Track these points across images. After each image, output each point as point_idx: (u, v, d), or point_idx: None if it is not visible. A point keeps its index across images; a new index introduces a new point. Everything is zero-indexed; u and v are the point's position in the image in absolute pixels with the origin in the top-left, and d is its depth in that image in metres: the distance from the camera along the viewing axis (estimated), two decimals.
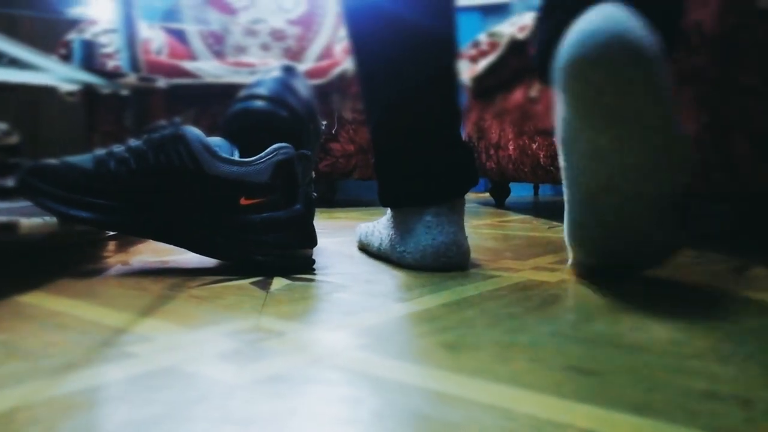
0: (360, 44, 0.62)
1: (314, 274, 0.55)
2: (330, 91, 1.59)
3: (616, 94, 0.40)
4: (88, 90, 1.25)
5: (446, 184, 0.57)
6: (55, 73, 0.85)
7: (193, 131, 0.57)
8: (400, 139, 0.60)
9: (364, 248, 0.70)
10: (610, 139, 0.42)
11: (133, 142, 0.58)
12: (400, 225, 0.59)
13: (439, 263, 0.56)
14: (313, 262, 0.60)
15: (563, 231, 0.50)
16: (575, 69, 0.40)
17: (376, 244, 0.64)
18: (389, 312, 0.40)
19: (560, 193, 2.22)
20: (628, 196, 0.43)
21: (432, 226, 0.56)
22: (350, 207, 1.59)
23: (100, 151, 0.58)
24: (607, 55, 0.39)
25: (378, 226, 0.66)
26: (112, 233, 0.82)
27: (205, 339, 0.34)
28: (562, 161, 0.46)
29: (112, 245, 0.76)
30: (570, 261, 0.53)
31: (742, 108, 0.53)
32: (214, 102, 1.60)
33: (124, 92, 1.03)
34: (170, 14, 1.89)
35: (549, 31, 0.48)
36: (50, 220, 0.57)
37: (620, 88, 0.40)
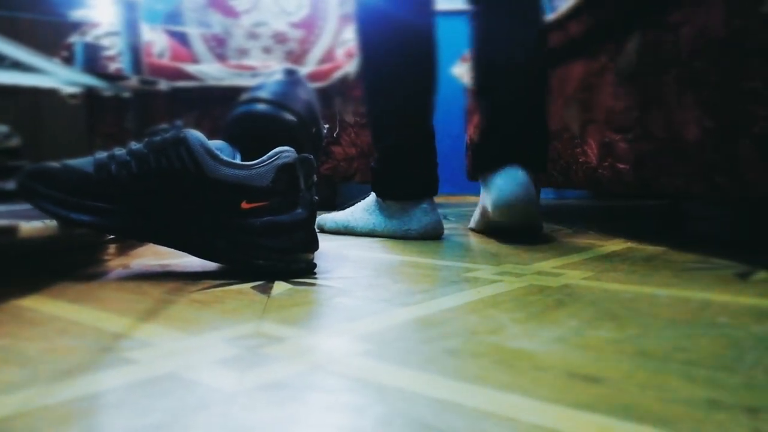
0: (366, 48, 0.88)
1: (315, 278, 0.55)
2: (332, 94, 1.59)
3: None
4: (89, 92, 1.25)
5: (434, 186, 0.89)
6: (56, 76, 0.85)
7: (195, 134, 0.57)
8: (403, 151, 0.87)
9: (341, 231, 0.93)
10: None
11: (134, 145, 0.58)
12: (399, 211, 0.87)
13: (436, 233, 0.86)
14: (315, 266, 0.59)
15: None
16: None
17: (365, 226, 0.90)
18: (391, 317, 0.40)
19: (562, 197, 2.21)
20: None
21: (428, 211, 0.86)
22: None
23: (101, 155, 0.58)
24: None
25: (359, 213, 0.91)
26: (112, 236, 0.81)
27: (205, 345, 0.33)
28: None
29: (112, 248, 0.76)
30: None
31: (746, 112, 0.53)
32: (216, 105, 1.60)
33: (126, 95, 1.03)
34: (172, 17, 1.89)
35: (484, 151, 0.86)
36: (50, 223, 0.57)
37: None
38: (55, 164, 0.58)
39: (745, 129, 0.53)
